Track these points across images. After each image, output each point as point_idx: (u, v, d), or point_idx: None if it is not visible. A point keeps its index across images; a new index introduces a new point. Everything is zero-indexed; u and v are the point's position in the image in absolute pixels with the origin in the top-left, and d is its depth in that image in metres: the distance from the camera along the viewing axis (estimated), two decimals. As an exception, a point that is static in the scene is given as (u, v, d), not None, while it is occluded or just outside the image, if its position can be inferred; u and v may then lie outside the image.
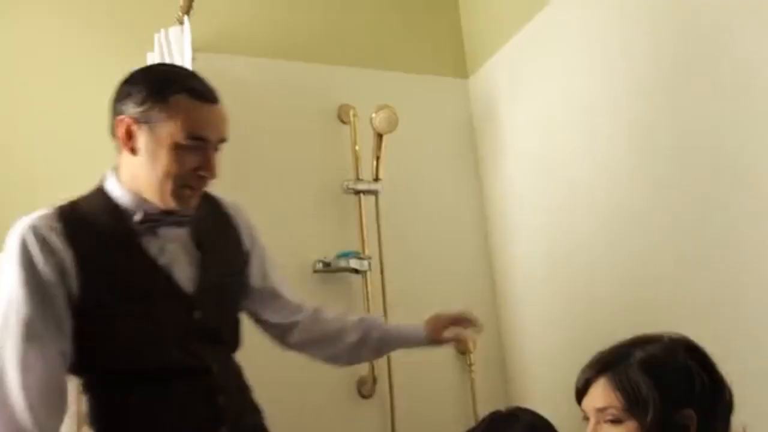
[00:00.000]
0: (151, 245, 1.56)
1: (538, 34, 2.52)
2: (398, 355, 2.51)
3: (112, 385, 1.52)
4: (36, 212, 1.51)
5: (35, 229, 1.47)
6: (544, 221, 2.48)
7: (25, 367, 1.40)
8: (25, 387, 1.39)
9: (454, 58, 2.95)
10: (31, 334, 1.43)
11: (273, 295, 1.80)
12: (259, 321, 1.81)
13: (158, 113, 1.48)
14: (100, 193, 1.58)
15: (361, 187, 2.61)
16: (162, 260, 1.56)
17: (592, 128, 2.24)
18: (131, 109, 1.50)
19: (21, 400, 1.38)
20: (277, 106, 2.61)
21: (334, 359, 1.84)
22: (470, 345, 2.43)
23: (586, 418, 1.27)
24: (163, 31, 2.34)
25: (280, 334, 1.82)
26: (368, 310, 2.51)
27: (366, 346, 1.81)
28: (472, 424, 2.01)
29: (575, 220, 2.31)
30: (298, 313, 1.81)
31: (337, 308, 2.47)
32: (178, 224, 1.58)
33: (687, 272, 1.87)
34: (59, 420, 1.45)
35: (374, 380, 2.50)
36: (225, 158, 1.51)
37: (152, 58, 2.31)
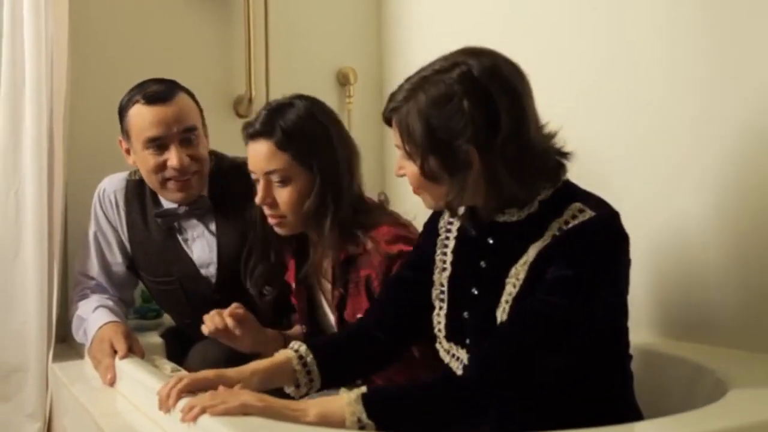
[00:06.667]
0: (183, 233, 1.85)
1: None
2: (276, 74, 2.49)
3: None
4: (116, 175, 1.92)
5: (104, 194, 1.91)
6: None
7: None
8: None
9: None
10: None
11: None
12: None
13: (127, 127, 1.79)
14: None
15: None
16: (187, 247, 1.85)
17: None
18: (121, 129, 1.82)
19: None
20: None
21: None
22: None
23: None
24: None
25: None
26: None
27: None
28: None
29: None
30: None
31: None
32: (196, 216, 1.84)
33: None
34: None
35: (251, 100, 2.47)
36: None
37: None
